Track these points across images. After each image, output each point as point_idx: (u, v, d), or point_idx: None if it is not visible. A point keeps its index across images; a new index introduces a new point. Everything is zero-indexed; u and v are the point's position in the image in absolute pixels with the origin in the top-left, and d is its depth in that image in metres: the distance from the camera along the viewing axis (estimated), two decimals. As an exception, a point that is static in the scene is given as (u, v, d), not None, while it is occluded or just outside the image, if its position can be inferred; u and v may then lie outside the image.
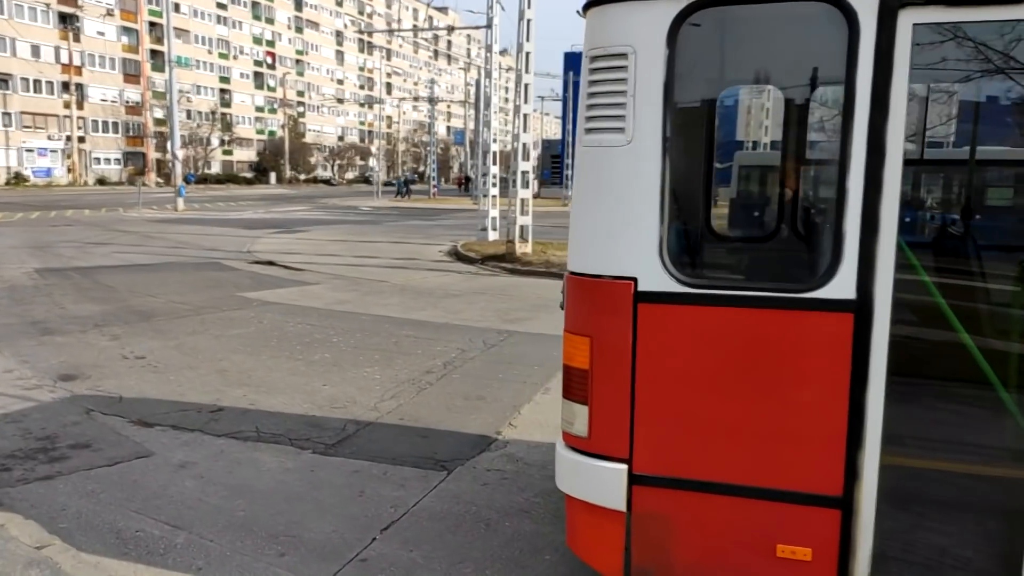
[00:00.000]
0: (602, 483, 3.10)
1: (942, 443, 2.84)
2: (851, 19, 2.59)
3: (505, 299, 12.58)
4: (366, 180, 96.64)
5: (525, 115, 16.76)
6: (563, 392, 3.25)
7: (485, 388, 7.31)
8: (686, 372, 2.92)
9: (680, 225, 2.92)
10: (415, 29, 35.72)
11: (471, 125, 77.17)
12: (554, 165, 58.88)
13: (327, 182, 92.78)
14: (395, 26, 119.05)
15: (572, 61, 56.40)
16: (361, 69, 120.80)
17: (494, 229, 21.45)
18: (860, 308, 2.67)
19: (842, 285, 2.69)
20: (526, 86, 16.70)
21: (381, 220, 33.19)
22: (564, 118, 55.92)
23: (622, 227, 2.95)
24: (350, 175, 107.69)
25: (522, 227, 17.30)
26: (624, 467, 3.04)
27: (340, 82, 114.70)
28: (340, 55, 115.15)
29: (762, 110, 3.03)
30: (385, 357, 8.46)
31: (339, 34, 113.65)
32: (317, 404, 6.71)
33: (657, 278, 2.89)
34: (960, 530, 2.76)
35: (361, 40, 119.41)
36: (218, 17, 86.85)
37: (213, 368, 7.89)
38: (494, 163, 21.24)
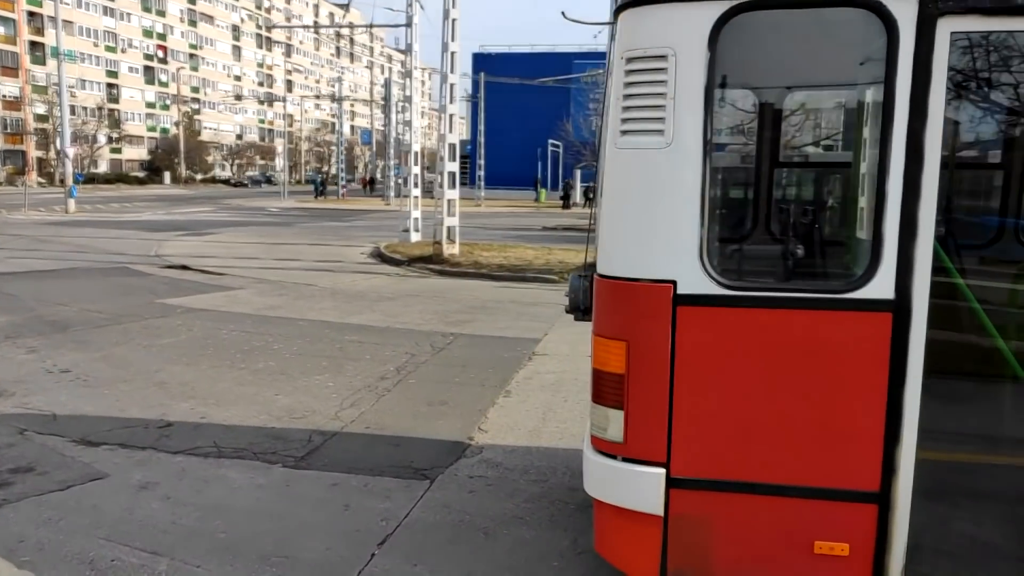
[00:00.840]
0: (639, 488, 3.07)
1: (973, 436, 2.96)
2: (891, 27, 2.66)
3: (442, 301, 12.43)
4: (268, 180, 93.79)
5: (451, 115, 16.62)
6: (593, 397, 3.21)
7: (445, 393, 7.18)
8: (725, 374, 2.93)
9: (720, 227, 2.92)
10: (333, 27, 34.80)
11: (378, 125, 76.04)
12: (464, 166, 58.82)
13: (227, 182, 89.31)
14: (295, 21, 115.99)
15: (482, 62, 56.61)
16: (260, 65, 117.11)
17: (416, 230, 21.19)
18: (899, 308, 2.75)
19: (881, 286, 2.75)
20: (452, 86, 16.57)
21: (293, 222, 32.24)
22: (475, 119, 56.04)
23: (661, 229, 2.93)
24: (250, 174, 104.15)
25: (449, 228, 17.15)
26: (662, 471, 3.02)
27: (238, 78, 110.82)
28: (237, 50, 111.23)
29: (799, 114, 3.07)
30: (334, 364, 8.19)
31: (236, 28, 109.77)
32: (274, 415, 6.42)
33: (697, 281, 2.89)
34: (990, 519, 2.89)
35: (259, 35, 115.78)
36: (105, 8, 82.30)
37: (150, 381, 7.42)
38: (415, 163, 20.97)
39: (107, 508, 4.60)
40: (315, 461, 5.43)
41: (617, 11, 3.03)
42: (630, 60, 2.93)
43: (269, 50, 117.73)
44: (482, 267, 15.91)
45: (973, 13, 2.60)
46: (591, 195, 45.63)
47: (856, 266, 2.80)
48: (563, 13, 5.21)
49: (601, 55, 58.76)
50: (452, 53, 16.56)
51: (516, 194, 52.04)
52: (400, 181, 21.74)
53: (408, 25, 20.52)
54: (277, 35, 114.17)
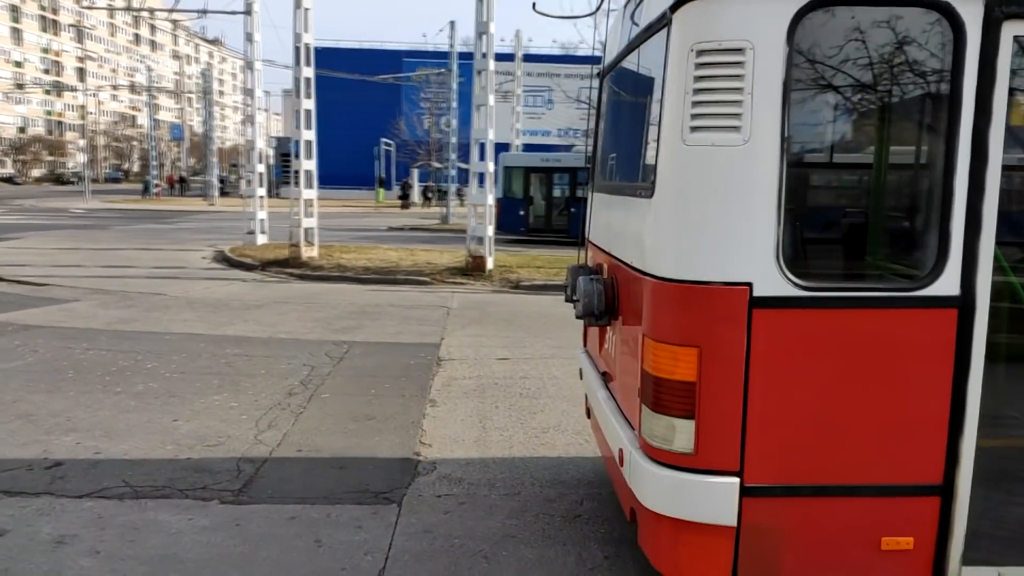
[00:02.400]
0: (711, 499, 2.95)
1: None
2: (958, 29, 2.72)
3: (317, 307, 11.71)
4: (58, 179, 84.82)
5: (308, 111, 15.76)
6: (653, 407, 3.04)
7: (366, 406, 6.71)
8: (798, 376, 2.88)
9: (794, 226, 2.86)
10: (133, 10, 31.52)
11: (192, 119, 70.93)
12: (284, 164, 56.26)
13: (10, 180, 79.73)
14: (87, 2, 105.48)
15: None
16: (45, 51, 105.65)
17: (263, 232, 19.92)
18: (964, 303, 2.82)
19: (948, 282, 2.81)
20: (307, 80, 15.70)
21: (107, 224, 29.25)
22: (298, 114, 53.75)
23: (736, 230, 2.82)
24: (37, 172, 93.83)
25: (307, 230, 16.25)
26: (736, 480, 2.92)
27: (18, 64, 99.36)
28: (17, 33, 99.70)
29: (869, 112, 3.08)
30: (228, 382, 7.41)
31: (15, 9, 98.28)
32: (184, 444, 5.67)
33: (773, 282, 2.81)
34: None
35: (44, 18, 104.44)
36: None
37: (11, 413, 6.32)
38: (259, 161, 19.69)
39: (24, 571, 3.81)
40: (257, 493, 4.83)
41: (681, 1, 2.88)
42: (702, 53, 2.79)
43: (56, 34, 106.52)
44: (347, 270, 15.21)
45: (1032, 18, 2.71)
46: (430, 195, 45.37)
47: (924, 264, 2.84)
48: (534, 5, 4.97)
49: (431, 55, 58.44)
50: (306, 45, 15.68)
51: (350, 194, 50.57)
52: (244, 180, 20.12)
53: (248, 13, 19.20)
54: (65, 18, 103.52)
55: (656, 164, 3.05)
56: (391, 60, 54.95)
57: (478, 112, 14.54)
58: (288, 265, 15.87)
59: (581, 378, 4.91)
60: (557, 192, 23.59)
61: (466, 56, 41.31)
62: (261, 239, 19.77)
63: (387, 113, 51.56)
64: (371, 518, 4.50)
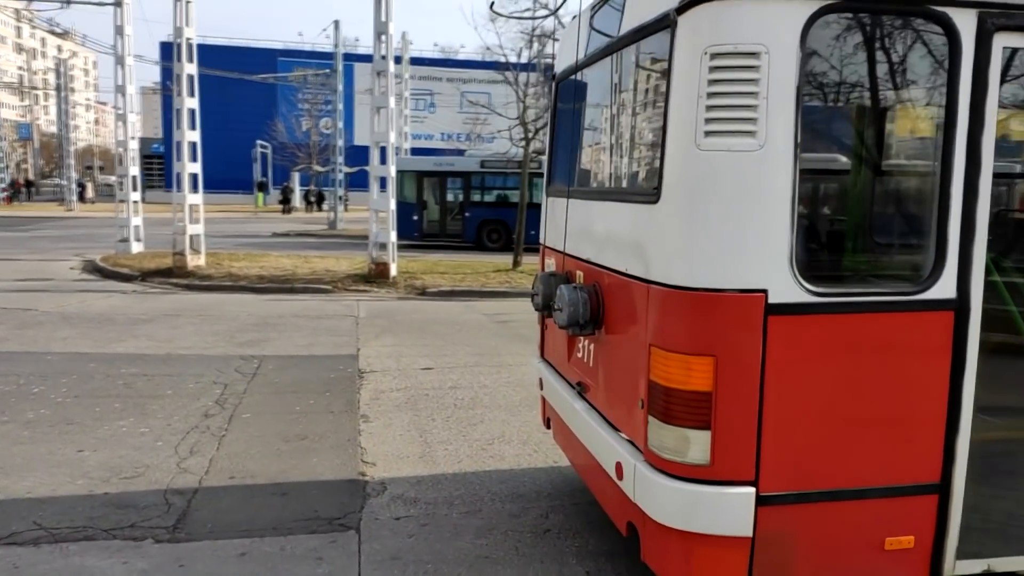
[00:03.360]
0: (727, 511, 2.89)
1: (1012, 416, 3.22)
2: (954, 39, 2.80)
3: (213, 320, 10.99)
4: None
5: (192, 110, 14.82)
6: (664, 418, 2.96)
7: (295, 425, 6.31)
8: (811, 382, 2.88)
9: (805, 232, 2.85)
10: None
11: (40, 118, 65.51)
12: (149, 166, 52.99)
13: None
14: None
15: (171, 52, 51.41)
16: None
17: (138, 239, 18.60)
18: (960, 306, 2.90)
19: (945, 285, 2.89)
20: (190, 77, 14.77)
21: (-50, 232, 26.48)
22: (167, 113, 50.78)
23: (752, 236, 2.78)
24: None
25: (193, 237, 15.28)
26: (751, 490, 2.88)
27: None
28: None
29: (872, 118, 3.12)
30: (131, 405, 6.78)
31: None
32: (97, 477, 5.11)
33: (787, 289, 2.79)
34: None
35: None
36: None
37: None
38: (132, 164, 18.35)
39: (-68, 644, 3.27)
40: (195, 528, 4.40)
41: (692, 2, 2.81)
42: (716, 56, 2.73)
43: None
44: (239, 279, 14.41)
45: (1019, 31, 2.82)
46: (312, 199, 43.94)
47: (923, 268, 2.90)
48: (491, 5, 4.81)
49: (308, 54, 56.70)
50: (188, 40, 14.76)
51: (225, 199, 48.21)
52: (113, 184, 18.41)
53: (117, 5, 17.86)
54: None
55: (661, 169, 2.97)
56: (265, 59, 52.87)
57: (378, 115, 14.15)
58: (172, 275, 14.86)
59: (541, 388, 4.78)
60: (451, 197, 23.40)
61: (351, 57, 40.35)
62: (136, 247, 18.45)
63: (263, 114, 49.55)
64: (330, 547, 4.19)
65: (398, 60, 32.84)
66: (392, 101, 14.13)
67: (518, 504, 4.80)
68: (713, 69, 2.75)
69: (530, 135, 15.82)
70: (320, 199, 44.26)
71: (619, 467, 3.31)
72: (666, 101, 2.97)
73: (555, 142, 4.80)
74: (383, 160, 14.29)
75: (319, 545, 4.21)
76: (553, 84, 4.75)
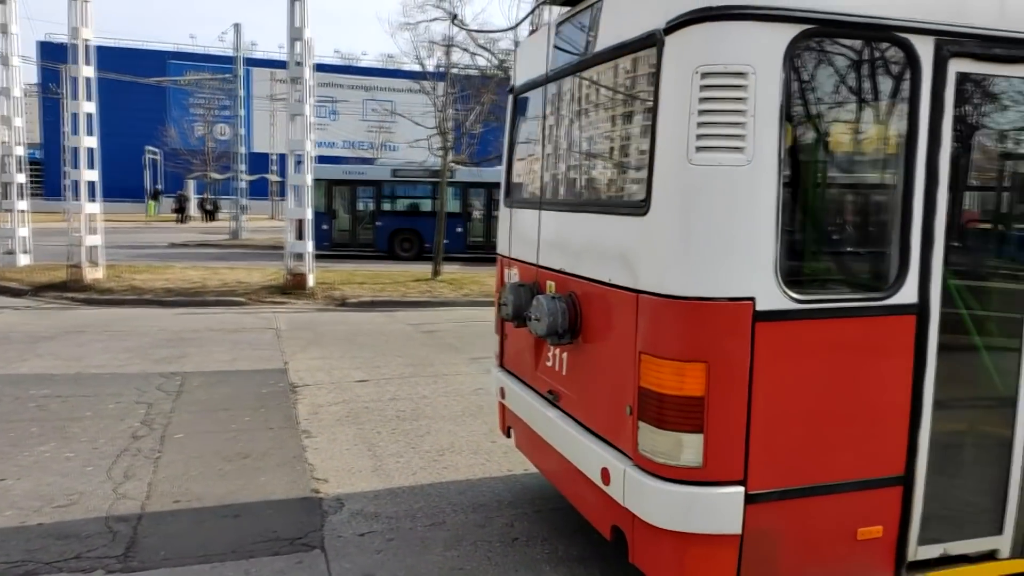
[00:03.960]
0: (718, 510, 3.02)
1: (964, 408, 3.46)
2: (915, 63, 3.03)
3: (123, 336, 10.42)
4: None
5: (89, 115, 14.02)
6: (657, 423, 3.06)
7: (234, 444, 6.07)
8: (793, 384, 3.04)
9: (787, 243, 3.01)
10: None
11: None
12: (35, 175, 49.72)
13: None
14: None
15: (52, 53, 48.42)
16: None
17: (26, 251, 17.38)
18: (921, 310, 3.14)
19: (909, 291, 3.12)
20: (87, 80, 13.97)
21: None
22: (48, 117, 47.75)
23: (741, 247, 2.92)
24: None
25: (91, 248, 14.42)
26: (740, 489, 3.01)
27: None
28: None
29: (845, 135, 3.32)
30: (49, 429, 6.35)
31: None
32: (27, 508, 4.76)
33: (773, 296, 2.94)
34: (975, 482, 3.44)
35: None
36: None
37: None
38: (18, 171, 17.16)
39: None
40: (148, 556, 4.18)
41: (681, 23, 2.93)
42: (707, 75, 2.86)
43: None
44: (144, 292, 13.71)
45: (972, 58, 3.09)
46: (208, 208, 42.23)
47: (889, 275, 3.12)
48: (453, 17, 4.80)
49: (201, 57, 54.55)
50: (85, 41, 13.96)
51: (113, 207, 45.68)
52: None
53: (2, 1, 16.68)
54: None
55: (650, 182, 3.08)
56: (154, 61, 50.60)
57: (294, 122, 13.81)
58: (68, 289, 13.98)
59: (503, 397, 4.81)
60: (361, 206, 23.04)
61: (249, 61, 39.07)
62: (24, 259, 17.24)
63: (152, 119, 47.33)
64: (298, 568, 4.07)
65: (336, 69, 32.01)
66: (308, 108, 13.81)
67: (481, 514, 4.80)
68: (704, 87, 2.87)
69: (449, 144, 15.82)
70: (216, 208, 42.65)
71: (605, 472, 3.38)
72: (654, 116, 3.07)
73: (514, 154, 4.85)
74: (299, 168, 13.93)
75: (285, 567, 4.09)
76: (511, 97, 4.80)
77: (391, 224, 22.58)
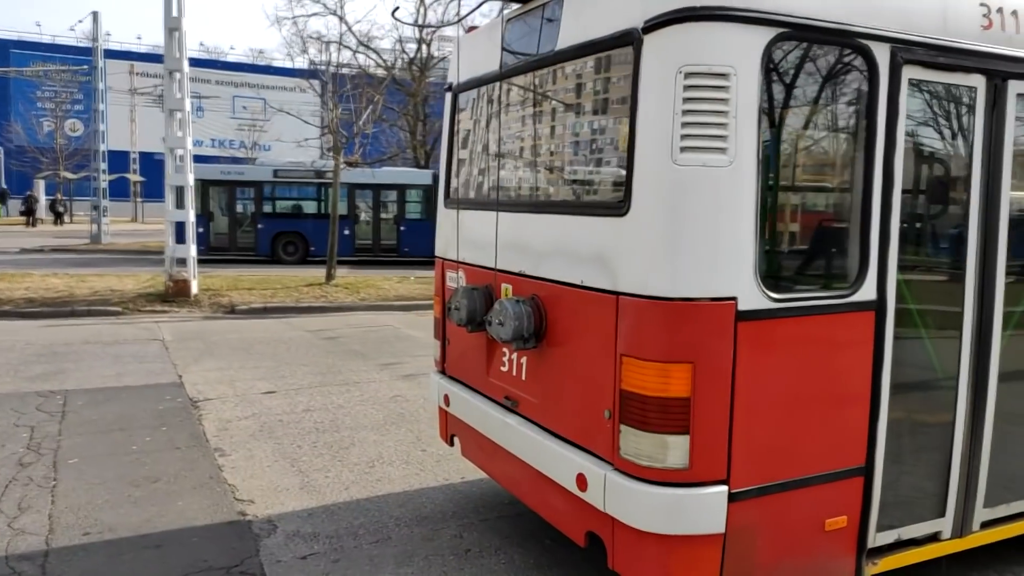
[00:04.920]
0: (704, 510, 3.02)
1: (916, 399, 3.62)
2: (874, 69, 3.16)
3: (-16, 351, 9.40)
4: None
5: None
6: (641, 426, 3.03)
7: (139, 467, 5.57)
8: (770, 381, 3.09)
9: (763, 242, 3.04)
10: None
11: None
12: None
13: None
14: None
15: None
16: None
17: None
18: (879, 306, 3.27)
19: (868, 288, 3.24)
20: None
21: None
22: None
23: (724, 247, 2.94)
24: None
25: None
26: (724, 488, 3.03)
27: None
28: None
29: (815, 139, 3.40)
30: (-86, 458, 5.61)
31: None
32: (-97, 553, 4.17)
33: (753, 296, 2.98)
34: (923, 468, 3.61)
35: None
36: None
37: None
38: None
39: None
40: (64, 599, 3.74)
41: (662, 22, 2.91)
42: (691, 75, 2.86)
43: None
44: (2, 304, 12.45)
45: (920, 65, 3.25)
46: (60, 209, 38.96)
47: (851, 274, 3.23)
48: (393, 12, 4.58)
49: (48, 47, 50.37)
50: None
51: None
52: None
53: None
54: None
55: (630, 182, 3.04)
56: (-7, 50, 46.42)
57: (172, 118, 12.94)
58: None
59: (447, 404, 4.65)
60: (241, 208, 21.96)
61: (109, 54, 36.35)
62: None
63: (-7, 113, 43.41)
64: (241, 600, 3.76)
65: (201, 63, 30.26)
66: (188, 104, 12.99)
67: (427, 527, 4.62)
68: (688, 88, 2.86)
69: (342, 143, 15.31)
70: (64, 210, 39.49)
71: (582, 478, 3.31)
72: (632, 116, 3.04)
73: (453, 154, 4.70)
74: (180, 168, 13.07)
75: (227, 598, 3.77)
76: (450, 95, 4.65)
77: (274, 227, 21.65)
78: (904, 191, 3.31)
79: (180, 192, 13.14)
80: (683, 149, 2.87)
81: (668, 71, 2.89)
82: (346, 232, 20.80)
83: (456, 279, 4.48)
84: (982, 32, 3.41)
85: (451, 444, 4.81)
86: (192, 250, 13.30)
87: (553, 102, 3.76)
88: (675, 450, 2.99)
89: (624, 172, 3.10)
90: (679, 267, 2.94)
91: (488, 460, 4.32)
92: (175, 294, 13.01)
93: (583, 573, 4.04)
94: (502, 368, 4.06)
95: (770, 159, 3.09)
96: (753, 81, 2.90)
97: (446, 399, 4.65)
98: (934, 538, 3.66)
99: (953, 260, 3.53)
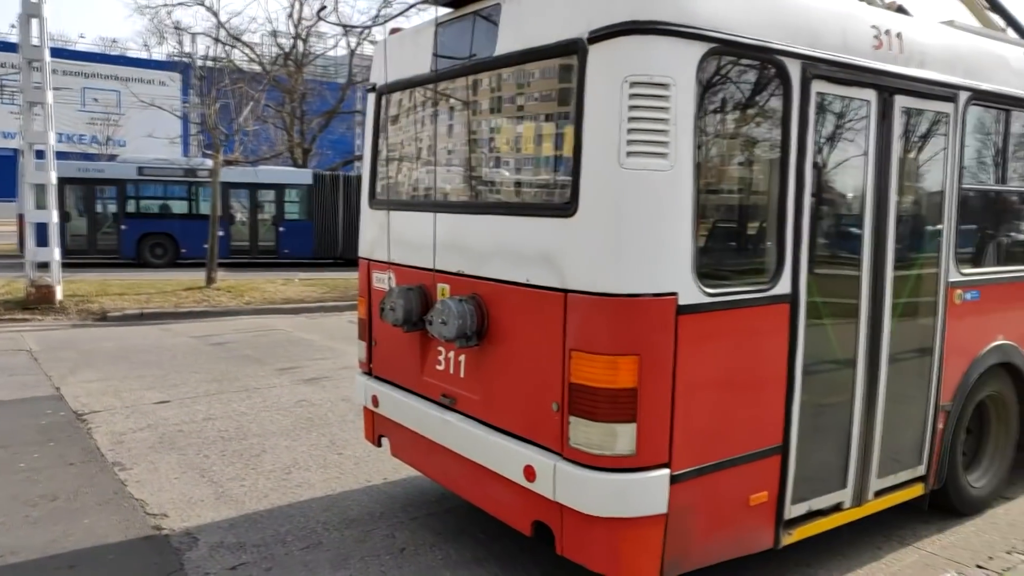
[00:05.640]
0: (649, 493, 3.23)
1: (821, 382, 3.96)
2: (787, 83, 3.48)
3: None
4: None
5: None
6: (590, 416, 3.20)
7: (33, 485, 5.20)
8: (705, 369, 3.34)
9: (700, 242, 3.27)
10: None
11: None
12: None
13: None
14: None
15: None
16: None
17: None
18: (793, 299, 3.60)
19: (784, 283, 3.56)
20: None
21: None
22: None
23: (666, 246, 3.15)
24: None
25: None
26: (667, 471, 3.25)
27: None
28: None
29: (739, 145, 3.65)
30: None
31: None
32: None
33: (691, 291, 3.22)
34: (828, 444, 3.96)
35: None
36: None
37: None
38: None
39: None
40: (-26, 630, 3.47)
41: (607, 34, 3.08)
42: (635, 84, 3.05)
43: None
44: None
45: (826, 79, 3.61)
46: None
47: (770, 270, 3.53)
48: (319, 12, 4.49)
49: None
50: None
51: None
52: None
53: None
54: None
55: (577, 185, 3.20)
56: None
57: (32, 111, 11.97)
58: None
59: (376, 405, 4.64)
60: (101, 207, 20.53)
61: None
62: None
63: None
64: (176, 615, 3.63)
65: (65, 54, 27.85)
66: (51, 96, 12.06)
67: (357, 529, 4.60)
68: (633, 96, 3.05)
69: (221, 141, 14.65)
70: None
71: (530, 470, 3.44)
72: (578, 122, 3.20)
73: (378, 155, 4.70)
74: (41, 165, 12.10)
75: (160, 615, 3.62)
76: (375, 96, 4.65)
77: (140, 228, 20.38)
78: (812, 195, 3.66)
79: (41, 191, 12.18)
80: (629, 154, 3.06)
81: (614, 80, 3.07)
82: (221, 233, 19.91)
83: (385, 280, 4.48)
84: (874, 51, 3.81)
85: (378, 445, 4.81)
86: (56, 253, 12.36)
87: (493, 106, 3.86)
88: (623, 438, 3.17)
89: (570, 175, 3.25)
90: (625, 265, 3.13)
91: (424, 458, 4.36)
92: (37, 301, 12.05)
93: (520, 563, 4.16)
94: (438, 367, 4.11)
95: (703, 164, 3.32)
96: (690, 91, 3.12)
97: (374, 400, 4.65)
98: (837, 508, 4.05)
99: (851, 257, 3.92)
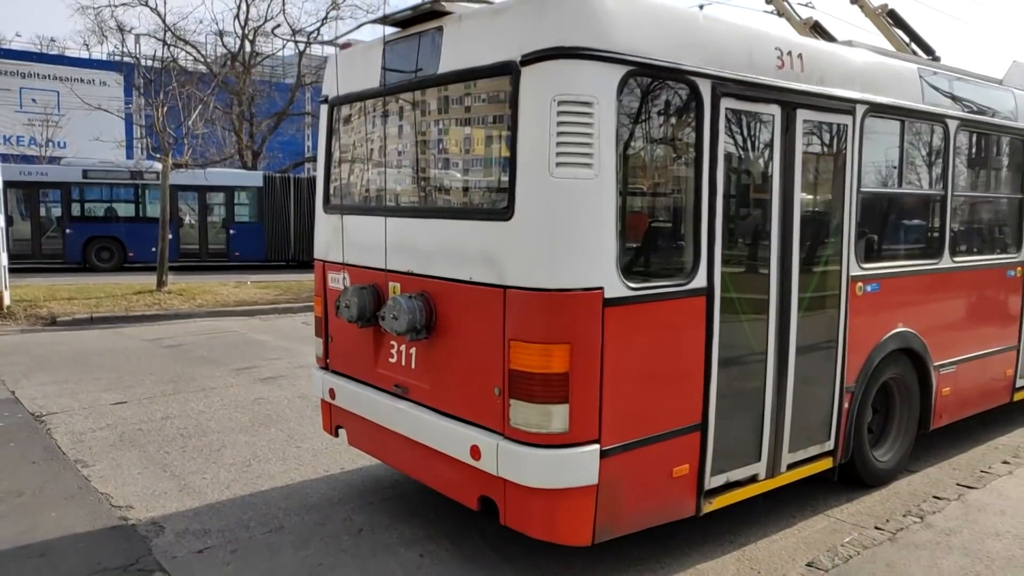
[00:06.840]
0: (582, 466, 3.62)
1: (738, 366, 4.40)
2: (699, 100, 3.91)
3: None
4: None
5: None
6: (528, 399, 3.58)
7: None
8: (630, 356, 3.74)
9: (622, 241, 3.67)
10: None
11: None
12: None
13: None
14: None
15: None
16: None
17: None
18: (708, 292, 4.04)
19: (701, 278, 4.00)
20: None
21: None
22: None
23: (592, 246, 3.56)
24: None
25: None
26: (597, 447, 3.65)
27: None
28: None
29: (661, 155, 4.07)
30: None
31: None
32: None
33: (616, 286, 3.62)
34: (744, 421, 4.40)
35: None
36: None
37: None
38: None
39: None
40: (-45, 614, 3.69)
41: (536, 58, 3.46)
42: (563, 103, 3.45)
43: None
44: None
45: (734, 97, 4.05)
46: None
47: (688, 266, 3.95)
48: (274, 31, 4.76)
49: None
50: None
51: None
52: None
53: None
54: None
55: (512, 192, 3.58)
56: None
57: (-24, 115, 11.84)
58: None
59: (333, 398, 4.95)
60: (45, 211, 20.23)
61: None
62: None
63: None
64: (148, 594, 3.90)
65: (1, 53, 27.02)
66: None
67: (316, 514, 4.90)
68: (560, 113, 3.44)
69: (170, 144, 14.65)
70: None
71: (475, 449, 3.81)
72: (513, 135, 3.58)
73: (331, 163, 5.01)
74: (-14, 169, 12.00)
75: (133, 595, 3.89)
76: (327, 107, 4.96)
77: (85, 232, 20.15)
78: (725, 198, 4.10)
79: (-13, 195, 12.08)
80: (558, 164, 3.45)
81: (544, 99, 3.46)
82: (170, 237, 19.81)
83: (340, 280, 4.80)
84: (777, 70, 4.28)
85: (336, 435, 5.12)
86: (3, 258, 12.29)
87: (436, 120, 4.22)
88: (557, 417, 3.56)
89: (507, 183, 3.63)
90: (557, 263, 3.52)
91: (378, 445, 4.69)
92: (-16, 307, 11.97)
93: (468, 537, 4.52)
94: (391, 360, 4.45)
95: (625, 173, 3.73)
96: (611, 108, 3.53)
97: (331, 392, 4.96)
98: (753, 479, 4.51)
99: (762, 255, 4.38)
